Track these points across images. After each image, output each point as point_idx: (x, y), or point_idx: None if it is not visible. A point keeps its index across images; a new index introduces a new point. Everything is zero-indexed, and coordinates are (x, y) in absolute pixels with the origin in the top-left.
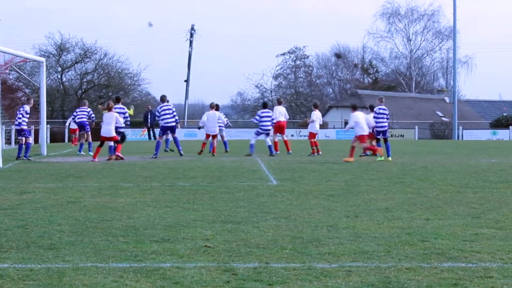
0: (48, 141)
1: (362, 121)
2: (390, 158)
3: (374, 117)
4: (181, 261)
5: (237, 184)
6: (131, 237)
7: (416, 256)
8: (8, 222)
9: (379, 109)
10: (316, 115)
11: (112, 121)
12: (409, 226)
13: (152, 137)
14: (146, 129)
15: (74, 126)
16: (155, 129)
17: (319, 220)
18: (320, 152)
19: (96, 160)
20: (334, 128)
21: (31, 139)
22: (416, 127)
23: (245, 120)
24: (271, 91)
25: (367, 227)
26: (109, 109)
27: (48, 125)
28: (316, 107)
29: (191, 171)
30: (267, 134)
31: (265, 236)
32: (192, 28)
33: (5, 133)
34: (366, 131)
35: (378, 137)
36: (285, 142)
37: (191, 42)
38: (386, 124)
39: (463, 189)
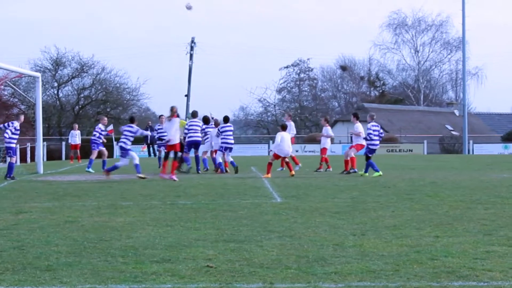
0: (45, 159)
1: (287, 140)
2: (367, 174)
3: (369, 134)
4: (182, 282)
5: (240, 202)
6: (131, 258)
7: (426, 275)
8: (4, 243)
9: (373, 125)
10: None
11: (173, 127)
12: (418, 244)
13: (152, 154)
14: (146, 146)
15: (74, 141)
16: (155, 146)
17: (324, 239)
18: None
19: (174, 177)
20: (340, 143)
21: (14, 159)
22: (425, 141)
23: (248, 136)
24: (274, 105)
25: (375, 245)
26: (173, 114)
27: (45, 142)
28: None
29: (193, 189)
30: (230, 150)
31: (269, 255)
32: (193, 41)
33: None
34: (284, 153)
35: (370, 155)
36: (292, 157)
37: (191, 55)
38: (378, 142)
39: (473, 205)
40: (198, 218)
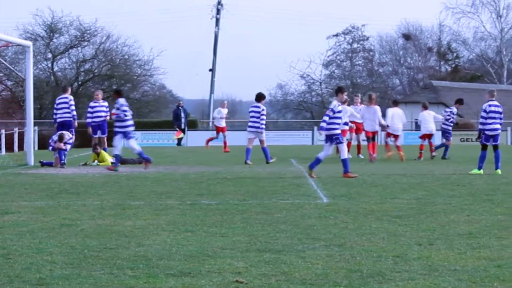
0: (36, 148)
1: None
2: (499, 171)
3: (482, 116)
4: None
5: (277, 202)
6: (142, 270)
7: None
8: None
9: (490, 106)
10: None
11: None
12: (500, 256)
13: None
14: (181, 131)
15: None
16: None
17: (382, 249)
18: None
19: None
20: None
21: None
22: (509, 128)
23: (287, 120)
24: (320, 83)
25: (445, 257)
26: (371, 102)
27: (36, 127)
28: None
29: (218, 186)
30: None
31: (313, 268)
32: (219, 3)
33: None
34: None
35: (487, 143)
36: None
37: (217, 20)
38: (499, 126)
39: None
40: (225, 222)
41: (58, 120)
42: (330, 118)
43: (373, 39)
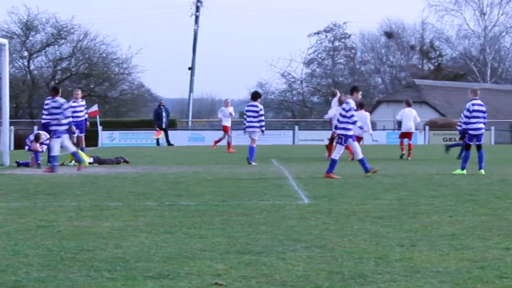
0: (12, 147)
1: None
2: (483, 171)
3: (466, 116)
4: None
5: (257, 203)
6: (120, 272)
7: None
8: None
9: (473, 105)
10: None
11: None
12: (483, 257)
13: (165, 142)
14: (162, 131)
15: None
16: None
17: (364, 250)
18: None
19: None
20: (384, 129)
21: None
22: (493, 127)
23: (268, 120)
24: (301, 81)
25: (428, 259)
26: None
27: (12, 127)
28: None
29: (197, 186)
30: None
31: (294, 270)
32: (199, 0)
33: None
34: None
35: (471, 143)
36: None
37: (197, 17)
38: (483, 125)
39: None
40: (204, 223)
41: (42, 121)
42: (347, 118)
43: (355, 37)
